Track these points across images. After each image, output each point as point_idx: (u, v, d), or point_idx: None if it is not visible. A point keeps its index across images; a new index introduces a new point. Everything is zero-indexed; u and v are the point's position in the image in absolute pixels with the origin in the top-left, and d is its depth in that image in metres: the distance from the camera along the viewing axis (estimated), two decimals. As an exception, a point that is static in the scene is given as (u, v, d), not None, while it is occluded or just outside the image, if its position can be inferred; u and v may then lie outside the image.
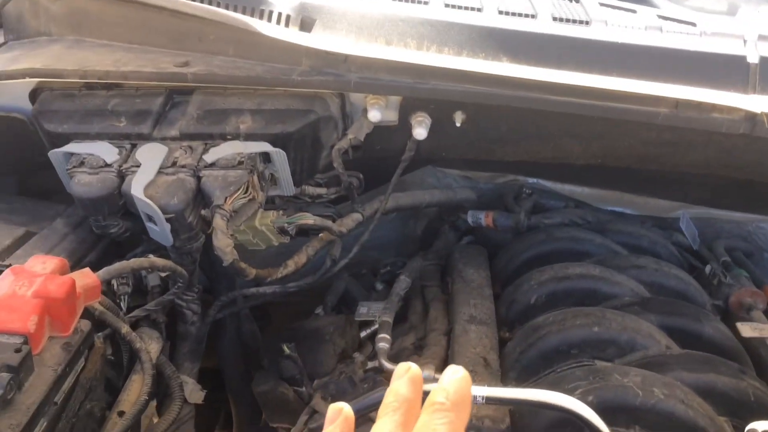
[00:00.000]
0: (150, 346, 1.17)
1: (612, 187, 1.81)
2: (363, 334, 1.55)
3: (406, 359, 1.47)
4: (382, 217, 1.96)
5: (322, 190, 1.36)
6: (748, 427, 0.98)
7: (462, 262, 1.62)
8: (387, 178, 1.43)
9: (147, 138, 1.24)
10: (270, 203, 1.37)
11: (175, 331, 1.39)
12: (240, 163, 1.20)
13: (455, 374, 0.55)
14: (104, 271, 1.05)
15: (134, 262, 1.10)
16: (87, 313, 1.09)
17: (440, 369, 1.37)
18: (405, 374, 0.54)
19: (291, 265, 1.29)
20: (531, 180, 1.85)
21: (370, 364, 1.42)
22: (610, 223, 1.71)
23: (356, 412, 1.07)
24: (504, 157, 1.39)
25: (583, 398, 1.07)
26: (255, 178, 1.21)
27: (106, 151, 1.23)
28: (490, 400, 1.05)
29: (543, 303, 1.42)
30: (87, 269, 1.02)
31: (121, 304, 1.27)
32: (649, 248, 1.62)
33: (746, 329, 1.29)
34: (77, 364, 0.95)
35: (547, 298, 1.42)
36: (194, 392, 1.35)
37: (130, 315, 1.24)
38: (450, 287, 1.58)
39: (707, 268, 1.59)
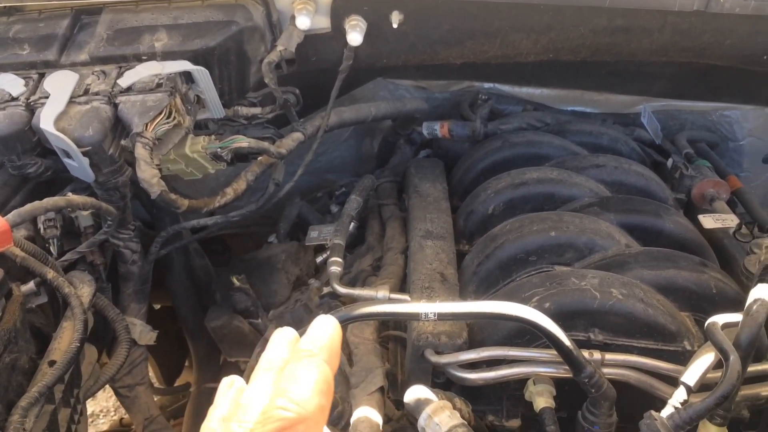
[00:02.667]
0: (82, 290, 1.10)
1: (571, 86, 1.73)
2: (319, 259, 1.50)
3: (364, 281, 1.42)
4: (335, 138, 1.89)
5: (256, 110, 1.26)
6: (708, 321, 0.95)
7: (417, 177, 1.55)
8: (329, 93, 1.34)
9: (55, 65, 1.14)
10: (203, 128, 1.27)
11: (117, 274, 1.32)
12: (159, 85, 1.10)
13: (323, 323, 0.53)
14: (14, 214, 0.96)
15: (48, 202, 1.01)
16: (7, 260, 1.01)
17: (398, 288, 1.33)
18: (279, 337, 0.51)
19: (229, 193, 1.20)
20: (487, 85, 1.76)
21: (326, 290, 1.38)
22: (570, 124, 1.64)
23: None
24: (450, 59, 1.29)
25: (539, 305, 1.03)
26: (177, 100, 1.11)
27: (11, 84, 1.12)
28: (442, 317, 1.01)
29: (501, 212, 1.37)
30: (-7, 213, 0.93)
31: (51, 249, 1.18)
32: (609, 146, 1.56)
33: (708, 221, 1.24)
34: (-9, 316, 0.88)
35: (505, 207, 1.36)
36: (144, 333, 1.30)
37: (63, 259, 1.17)
38: (407, 204, 1.52)
39: (669, 162, 1.54)
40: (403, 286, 1.32)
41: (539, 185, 1.36)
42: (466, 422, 0.91)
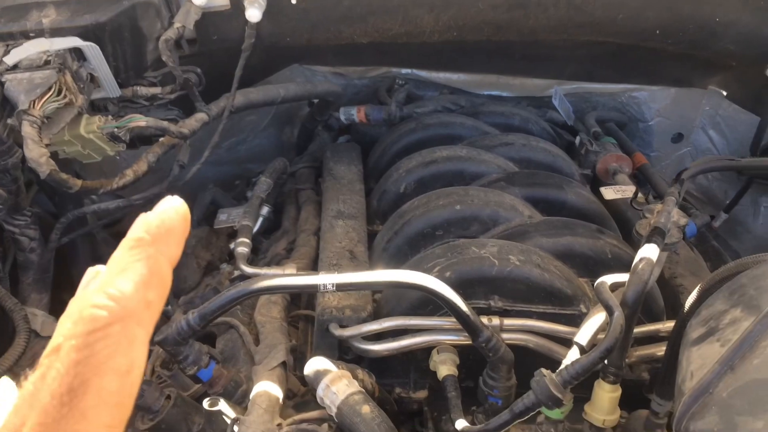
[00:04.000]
0: (-28, 277, 1.05)
1: (486, 70, 1.75)
2: (232, 244, 1.48)
3: (278, 264, 1.41)
4: (254, 127, 1.87)
5: (156, 90, 1.23)
6: (597, 282, 0.97)
7: (333, 161, 1.55)
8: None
9: (-65, 43, 1.09)
10: (102, 110, 1.24)
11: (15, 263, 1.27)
12: (47, 62, 1.06)
13: (164, 203, 0.41)
14: None
15: (-75, 181, 0.96)
16: None
17: (309, 268, 1.32)
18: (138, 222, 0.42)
19: (129, 174, 1.17)
20: (405, 71, 1.77)
21: (236, 273, 1.35)
22: (483, 106, 1.67)
23: (205, 314, 1.01)
24: (355, 37, 1.29)
25: (440, 275, 1.03)
26: (68, 77, 1.07)
27: None
28: (340, 287, 1.01)
29: (412, 190, 1.37)
30: None
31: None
32: (521, 126, 1.59)
33: (609, 192, 1.28)
34: None
35: (416, 185, 1.37)
36: (47, 324, 1.25)
37: (-48, 247, 1.12)
38: (322, 187, 1.51)
39: (576, 140, 1.58)
40: (314, 266, 1.31)
41: (449, 163, 1.37)
42: (363, 390, 0.91)
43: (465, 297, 0.94)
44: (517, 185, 1.27)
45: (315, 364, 0.96)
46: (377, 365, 1.07)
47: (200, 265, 1.35)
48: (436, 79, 1.77)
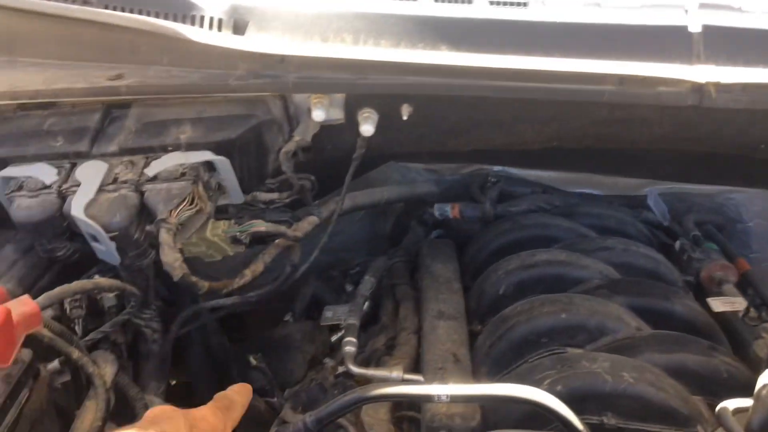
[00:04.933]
0: (105, 369, 1.13)
1: (578, 169, 1.78)
2: (333, 338, 1.52)
3: (378, 361, 1.44)
4: (349, 218, 1.94)
5: (273, 195, 1.32)
6: (719, 406, 0.95)
7: (429, 257, 1.59)
8: (344, 178, 1.40)
9: (86, 156, 1.20)
10: (223, 213, 1.33)
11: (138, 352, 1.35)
12: (183, 174, 1.16)
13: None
14: (44, 297, 1.01)
15: (77, 285, 1.06)
16: (36, 341, 1.05)
17: (411, 368, 1.35)
18: None
19: (247, 275, 1.25)
20: (496, 168, 1.82)
21: (342, 369, 1.39)
22: (578, 206, 1.69)
23: (321, 419, 1.04)
24: (458, 147, 1.36)
25: (551, 388, 1.04)
26: (200, 188, 1.17)
27: (45, 173, 1.19)
28: (454, 399, 1.03)
29: (512, 293, 1.39)
30: (26, 296, 0.98)
31: (76, 328, 1.22)
32: (617, 228, 1.59)
33: (717, 304, 1.26)
34: (20, 396, 0.91)
35: (516, 288, 1.39)
36: (161, 412, 1.31)
37: (87, 339, 1.20)
38: (419, 284, 1.55)
39: (677, 244, 1.57)
40: (416, 366, 1.34)
41: (549, 267, 1.39)
42: None
43: (576, 412, 0.94)
44: (621, 293, 1.28)
45: (429, 477, 0.98)
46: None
47: (305, 359, 1.40)
48: (527, 177, 1.81)
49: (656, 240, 1.63)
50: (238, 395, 0.99)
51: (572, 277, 1.37)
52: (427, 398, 0.99)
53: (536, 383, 1.06)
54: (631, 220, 1.61)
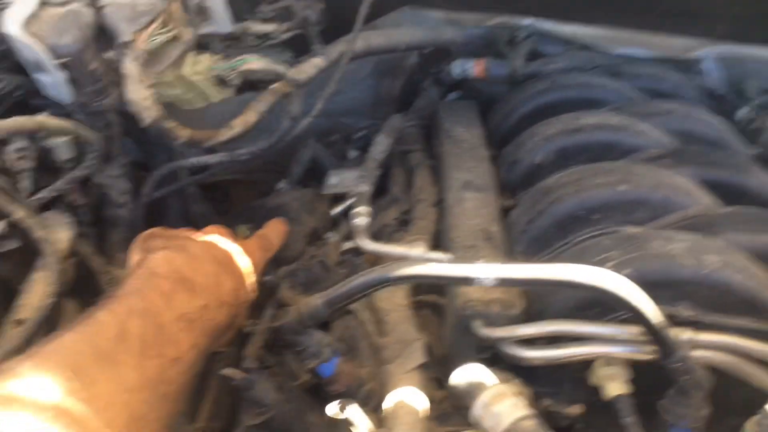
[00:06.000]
0: (58, 234, 0.91)
1: (622, 24, 1.52)
2: (335, 211, 1.30)
3: (389, 237, 1.24)
4: (352, 77, 1.67)
5: (270, 27, 1.05)
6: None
7: (449, 121, 1.35)
8: (351, 27, 1.12)
9: (23, -42, 0.91)
10: (204, 48, 1.06)
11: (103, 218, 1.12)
12: (153, -14, 0.88)
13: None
14: (-32, 136, 0.76)
15: (15, 122, 0.81)
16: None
17: (431, 245, 1.15)
18: None
19: (238, 126, 1.00)
20: (526, 21, 1.55)
21: (347, 245, 1.19)
22: (626, 66, 1.44)
23: (333, 301, 0.84)
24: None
25: (616, 272, 0.85)
26: (176, 6, 0.90)
27: (-31, -21, 0.90)
28: (502, 282, 0.83)
29: (551, 162, 1.17)
30: (-59, 134, 0.73)
31: (23, 184, 0.98)
32: (672, 93, 1.37)
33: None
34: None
35: (556, 156, 1.17)
36: (133, 288, 1.10)
37: (35, 197, 0.97)
38: (437, 150, 1.32)
39: (739, 113, 1.35)
40: (435, 242, 1.14)
41: (598, 132, 1.17)
42: (535, 413, 0.74)
43: (647, 301, 0.76)
44: (689, 164, 1.06)
45: (467, 373, 0.79)
46: (522, 372, 0.89)
47: (304, 233, 1.18)
48: (561, 33, 1.55)
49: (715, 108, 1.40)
50: (276, 237, 1.01)
51: (626, 144, 1.15)
52: (467, 280, 0.79)
53: (597, 266, 0.86)
54: (689, 84, 1.38)
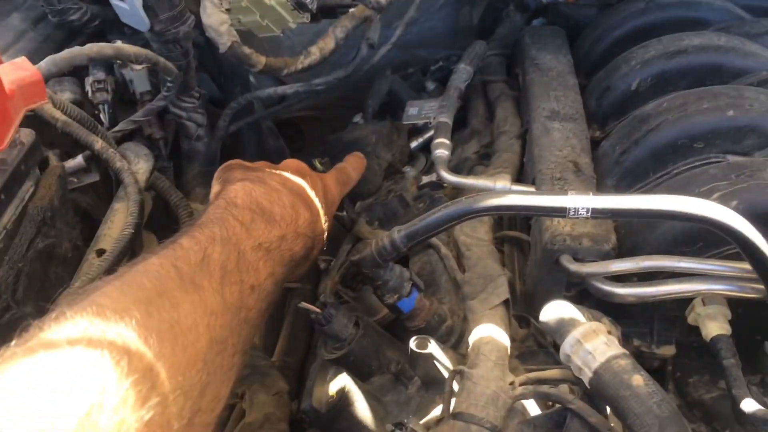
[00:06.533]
0: (137, 165, 0.90)
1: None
2: (414, 144, 1.26)
3: (470, 171, 1.19)
4: (429, 6, 1.59)
5: (347, -52, 0.99)
6: None
7: (535, 48, 1.27)
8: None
9: None
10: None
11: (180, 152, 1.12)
12: None
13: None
14: (48, 61, 0.76)
15: (91, 49, 0.80)
16: (43, 124, 0.81)
17: (514, 178, 1.09)
18: None
19: (315, 53, 0.96)
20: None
21: (425, 179, 1.15)
22: (731, -18, 1.30)
23: (413, 234, 0.81)
24: None
25: (723, 204, 0.77)
26: (249, -75, 0.85)
27: None
28: (596, 213, 0.77)
29: (648, 88, 1.08)
30: (22, 58, 0.72)
31: (101, 117, 0.99)
32: (786, 10, 1.22)
33: None
34: (21, 190, 0.68)
35: (654, 82, 1.07)
36: (212, 222, 1.10)
37: (115, 129, 0.97)
38: (521, 79, 1.25)
39: None
40: (520, 177, 1.08)
41: (702, 54, 1.06)
42: (628, 353, 0.69)
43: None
44: (806, 87, 0.95)
45: (556, 310, 0.75)
46: (610, 309, 0.84)
47: (381, 167, 1.15)
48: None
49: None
50: (354, 171, 0.99)
51: (734, 67, 1.04)
52: (559, 211, 0.73)
53: (700, 196, 0.78)
54: (806, 1, 1.23)
